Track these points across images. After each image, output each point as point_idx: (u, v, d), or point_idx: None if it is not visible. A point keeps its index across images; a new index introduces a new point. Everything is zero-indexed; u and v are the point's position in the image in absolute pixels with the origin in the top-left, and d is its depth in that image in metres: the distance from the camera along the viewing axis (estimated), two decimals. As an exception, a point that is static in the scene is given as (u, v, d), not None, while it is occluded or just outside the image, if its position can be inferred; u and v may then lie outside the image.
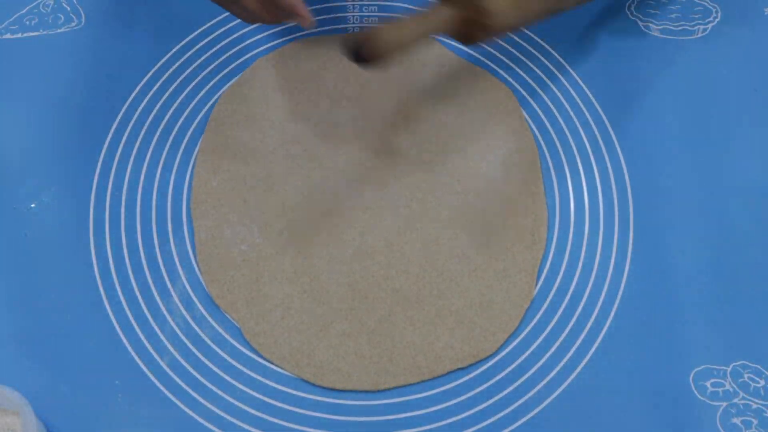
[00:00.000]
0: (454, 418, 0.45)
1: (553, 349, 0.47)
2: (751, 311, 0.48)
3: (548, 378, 0.46)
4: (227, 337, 0.47)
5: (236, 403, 0.45)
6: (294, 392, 0.46)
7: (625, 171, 0.53)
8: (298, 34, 0.58)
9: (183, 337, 0.47)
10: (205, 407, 0.45)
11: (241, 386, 0.46)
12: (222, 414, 0.45)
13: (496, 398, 0.46)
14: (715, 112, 0.55)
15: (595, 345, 0.47)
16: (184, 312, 0.48)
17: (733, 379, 0.46)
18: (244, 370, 0.46)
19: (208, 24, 0.58)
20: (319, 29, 0.58)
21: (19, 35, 0.57)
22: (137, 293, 0.48)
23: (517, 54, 0.57)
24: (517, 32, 0.58)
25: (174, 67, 0.56)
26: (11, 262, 0.49)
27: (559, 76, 0.56)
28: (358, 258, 0.49)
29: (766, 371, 0.46)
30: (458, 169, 0.52)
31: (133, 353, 0.47)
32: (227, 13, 0.58)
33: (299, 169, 0.52)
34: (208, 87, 0.55)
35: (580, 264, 0.50)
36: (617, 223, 0.51)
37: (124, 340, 0.47)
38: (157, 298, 0.48)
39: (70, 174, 0.52)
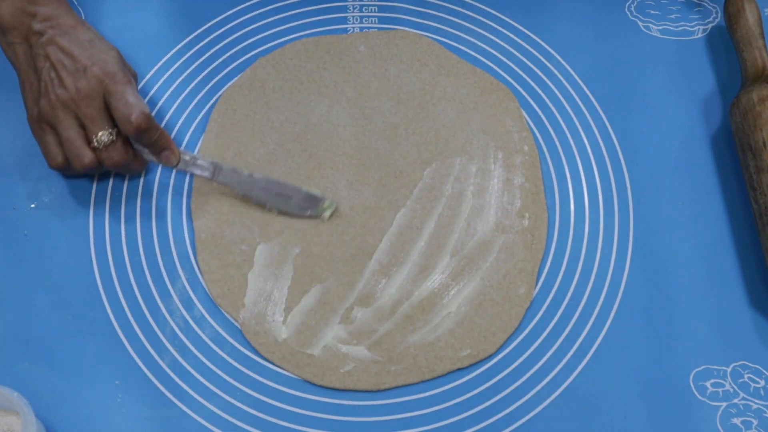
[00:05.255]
0: (454, 419, 0.45)
1: (553, 350, 0.47)
2: (750, 312, 0.48)
3: (548, 378, 0.46)
4: (227, 337, 0.47)
5: (236, 403, 0.45)
6: (294, 392, 0.46)
7: (625, 171, 0.53)
8: (298, 34, 0.58)
9: (183, 337, 0.47)
10: (205, 407, 0.45)
11: (241, 386, 0.46)
12: (222, 414, 0.45)
13: (495, 399, 0.46)
14: (716, 112, 0.55)
15: (595, 345, 0.47)
16: (184, 312, 0.48)
17: (733, 379, 0.46)
18: (244, 370, 0.46)
19: (208, 24, 0.58)
20: (319, 29, 0.58)
21: (19, 35, 0.57)
22: (137, 293, 0.48)
23: (517, 54, 0.57)
24: (518, 32, 0.58)
25: (174, 67, 0.56)
26: (11, 263, 0.49)
27: (559, 76, 0.56)
28: (358, 258, 0.49)
29: (766, 371, 0.46)
30: (458, 169, 0.52)
31: (133, 353, 0.47)
32: (227, 13, 0.58)
33: (299, 169, 0.52)
34: (208, 87, 0.55)
35: (580, 264, 0.50)
36: (617, 223, 0.51)
37: (124, 340, 0.47)
38: (157, 298, 0.48)
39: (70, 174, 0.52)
